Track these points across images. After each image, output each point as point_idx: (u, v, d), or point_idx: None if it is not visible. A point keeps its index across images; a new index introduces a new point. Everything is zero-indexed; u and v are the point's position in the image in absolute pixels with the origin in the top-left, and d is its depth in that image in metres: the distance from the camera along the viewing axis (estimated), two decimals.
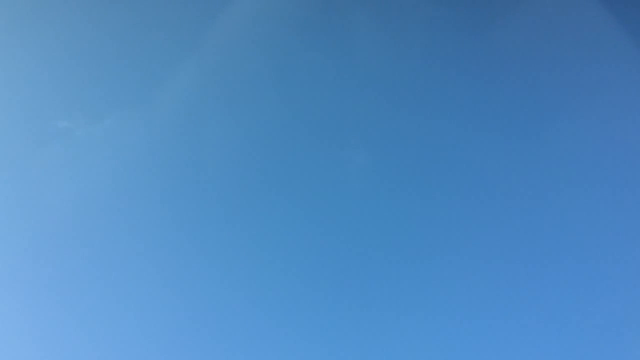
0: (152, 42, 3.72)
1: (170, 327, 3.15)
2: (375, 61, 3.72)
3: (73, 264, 3.29)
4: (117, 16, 3.75)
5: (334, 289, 3.24)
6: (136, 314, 3.18)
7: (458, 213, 3.34)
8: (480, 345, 3.10)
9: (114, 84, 3.64)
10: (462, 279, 3.18)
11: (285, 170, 3.52)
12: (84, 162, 3.46)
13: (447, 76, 3.63)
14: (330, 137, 3.58)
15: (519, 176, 3.41)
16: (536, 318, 3.09)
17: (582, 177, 3.37)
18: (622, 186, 3.34)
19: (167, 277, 3.25)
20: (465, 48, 3.68)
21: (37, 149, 3.51)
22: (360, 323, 3.15)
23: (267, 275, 3.25)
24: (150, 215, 3.39)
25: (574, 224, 3.26)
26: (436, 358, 3.07)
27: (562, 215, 3.29)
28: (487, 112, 3.56)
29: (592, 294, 3.11)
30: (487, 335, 3.10)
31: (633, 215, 3.25)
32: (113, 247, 3.31)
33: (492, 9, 3.75)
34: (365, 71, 3.69)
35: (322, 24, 3.79)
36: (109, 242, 3.33)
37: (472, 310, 3.12)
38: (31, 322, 3.15)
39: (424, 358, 3.06)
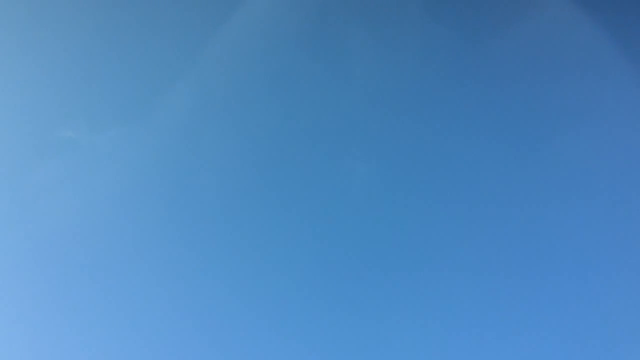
0: (154, 53, 3.76)
1: (174, 332, 3.16)
2: (376, 71, 3.75)
3: (76, 273, 3.30)
4: (121, 28, 3.80)
5: (335, 295, 3.25)
6: (141, 321, 3.19)
7: (460, 221, 3.36)
8: (482, 348, 3.11)
9: (117, 94, 3.68)
10: (464, 286, 3.20)
11: (287, 179, 3.55)
12: (87, 172, 3.49)
13: (448, 85, 3.67)
14: (332, 147, 3.61)
15: (520, 183, 3.44)
16: (537, 321, 3.11)
17: (581, 182, 3.40)
18: (620, 191, 3.37)
19: (169, 285, 3.27)
20: (466, 57, 3.72)
21: (40, 159, 3.54)
22: (363, 329, 3.16)
23: (270, 282, 3.26)
24: (153, 225, 3.42)
25: (576, 228, 3.28)
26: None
27: (563, 222, 3.31)
28: (489, 120, 3.60)
29: (591, 295, 3.13)
30: (488, 339, 3.11)
31: (631, 219, 3.28)
32: (116, 255, 3.33)
33: (491, 18, 3.80)
34: (367, 80, 3.73)
35: (322, 35, 3.83)
36: (112, 250, 3.35)
37: (477, 317, 3.13)
38: (35, 329, 3.16)
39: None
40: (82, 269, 3.32)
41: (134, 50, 3.80)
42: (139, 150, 3.59)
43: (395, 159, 3.58)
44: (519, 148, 3.56)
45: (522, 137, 3.57)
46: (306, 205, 3.51)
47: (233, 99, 3.71)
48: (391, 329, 3.18)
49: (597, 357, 3.08)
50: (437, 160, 3.57)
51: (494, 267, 3.26)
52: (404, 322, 3.21)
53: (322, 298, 3.29)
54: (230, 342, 3.22)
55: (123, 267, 3.34)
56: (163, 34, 3.81)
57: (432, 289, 3.28)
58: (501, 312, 3.19)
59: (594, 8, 3.74)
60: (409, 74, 3.79)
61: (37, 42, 3.77)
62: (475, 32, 3.81)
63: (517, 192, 3.43)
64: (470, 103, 3.67)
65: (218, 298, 3.27)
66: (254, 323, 3.21)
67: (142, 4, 3.88)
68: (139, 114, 3.68)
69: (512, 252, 3.30)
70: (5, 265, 3.31)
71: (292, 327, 3.21)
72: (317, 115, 3.70)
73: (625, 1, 3.74)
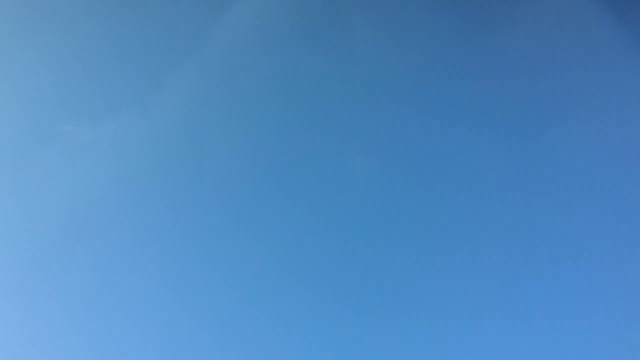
0: (155, 45, 3.74)
1: (170, 330, 3.18)
2: (379, 64, 3.73)
3: (75, 267, 3.31)
4: (121, 20, 3.77)
5: (338, 292, 3.26)
6: (137, 316, 3.20)
7: (464, 217, 3.35)
8: (484, 347, 3.13)
9: (118, 87, 3.66)
10: (467, 282, 3.20)
11: (289, 175, 3.54)
12: (89, 166, 3.49)
13: (452, 79, 3.64)
14: (334, 141, 3.59)
15: (523, 179, 3.42)
16: (538, 319, 3.12)
17: (583, 178, 3.39)
18: (621, 187, 3.36)
19: (168, 280, 3.28)
20: (469, 50, 3.69)
21: (42, 153, 3.53)
22: (366, 328, 3.17)
23: (270, 279, 3.27)
24: (154, 219, 3.42)
25: (577, 225, 3.28)
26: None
27: (565, 219, 3.30)
28: (493, 115, 3.58)
29: (591, 295, 3.13)
30: (490, 338, 3.12)
31: (632, 216, 3.27)
32: (115, 250, 3.34)
33: (493, 12, 3.77)
34: (369, 75, 3.70)
35: (324, 28, 3.80)
36: (112, 245, 3.35)
37: (480, 314, 3.14)
38: (30, 325, 3.17)
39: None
40: (82, 259, 3.33)
41: (135, 41, 3.78)
42: (139, 143, 3.58)
43: (398, 154, 3.57)
44: (523, 142, 3.54)
45: (525, 130, 3.55)
46: (308, 199, 3.50)
47: (235, 91, 3.70)
48: (394, 325, 3.19)
49: (597, 353, 3.09)
50: (441, 155, 3.55)
51: (499, 260, 3.26)
52: (406, 317, 3.22)
53: (324, 293, 3.29)
54: (229, 334, 3.23)
55: (122, 261, 3.36)
56: (164, 26, 3.79)
57: (436, 283, 3.28)
58: (506, 304, 3.20)
59: None
60: (412, 69, 3.77)
61: (36, 36, 3.75)
62: (479, 25, 3.78)
63: (521, 187, 3.43)
64: (474, 98, 3.65)
65: (218, 293, 3.28)
66: (254, 320, 3.22)
67: None
68: (140, 104, 3.67)
69: (521, 248, 3.30)
70: (5, 260, 3.32)
71: (294, 323, 3.22)
72: (319, 110, 3.68)
73: None
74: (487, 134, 3.50)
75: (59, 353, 3.13)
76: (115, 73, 3.69)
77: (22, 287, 3.23)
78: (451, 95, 3.61)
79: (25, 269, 3.27)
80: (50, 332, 3.19)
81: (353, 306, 3.20)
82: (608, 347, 3.10)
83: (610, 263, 3.18)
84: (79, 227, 3.36)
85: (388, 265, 3.26)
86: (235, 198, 3.48)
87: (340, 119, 3.62)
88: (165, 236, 3.35)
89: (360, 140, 3.58)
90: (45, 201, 3.42)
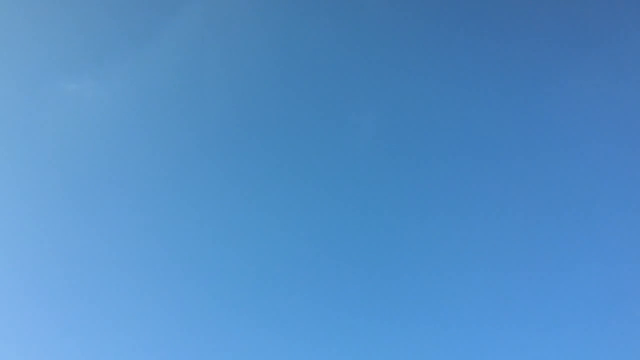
0: None
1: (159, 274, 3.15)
2: (381, 22, 3.67)
3: (78, 221, 3.29)
4: None
5: (337, 251, 3.23)
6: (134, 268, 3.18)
7: (467, 178, 3.32)
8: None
9: (122, 45, 3.60)
10: (471, 234, 3.17)
11: (292, 131, 3.48)
12: (92, 124, 3.45)
13: (455, 38, 3.58)
14: (337, 100, 3.54)
15: (523, 134, 3.37)
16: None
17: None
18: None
19: (164, 235, 3.25)
20: (472, 11, 3.62)
21: (45, 112, 3.50)
22: (376, 283, 3.14)
23: (274, 234, 3.23)
24: (155, 172, 3.38)
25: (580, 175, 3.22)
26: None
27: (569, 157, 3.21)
28: (494, 69, 3.52)
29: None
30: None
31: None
32: (120, 202, 3.31)
33: None
34: (371, 34, 3.64)
35: None
36: (116, 200, 3.33)
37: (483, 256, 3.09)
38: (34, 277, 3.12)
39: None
40: (85, 219, 3.32)
41: None
42: (143, 100, 3.55)
43: (400, 112, 3.54)
44: (523, 96, 3.52)
45: (531, 88, 3.52)
46: (313, 160, 3.48)
47: (236, 44, 3.62)
48: (400, 282, 3.18)
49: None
50: (443, 113, 3.53)
51: (501, 220, 3.24)
52: (410, 273, 3.22)
53: (328, 250, 3.30)
54: (224, 281, 3.23)
55: (126, 214, 3.36)
56: None
57: (439, 242, 3.28)
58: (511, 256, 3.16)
59: None
60: (414, 28, 3.72)
61: None
62: None
63: (520, 141, 3.39)
64: (476, 53, 3.61)
65: (218, 245, 3.24)
66: (256, 270, 3.19)
67: None
68: (137, 60, 3.63)
69: (518, 207, 3.28)
70: (5, 219, 3.31)
71: (297, 276, 3.22)
72: (323, 67, 3.64)
73: None
74: (488, 89, 3.46)
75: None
76: (117, 26, 3.58)
77: (22, 239, 3.21)
78: (455, 54, 3.56)
79: (26, 225, 3.24)
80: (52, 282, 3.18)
81: (355, 260, 3.19)
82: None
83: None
84: (81, 182, 3.33)
85: (391, 218, 3.24)
86: (236, 155, 3.44)
87: (344, 79, 3.57)
88: (167, 193, 3.32)
89: (365, 100, 3.52)
90: (48, 159, 3.37)
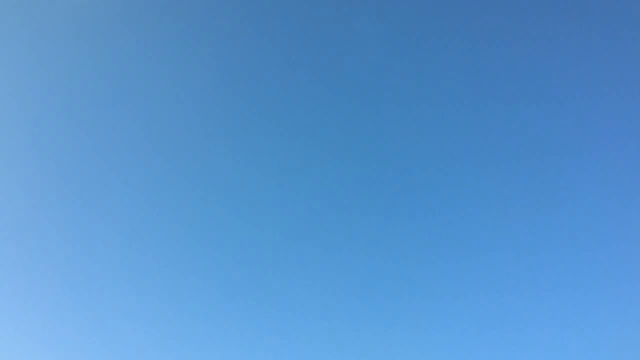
0: None
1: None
2: None
3: (79, 163, 3.13)
4: None
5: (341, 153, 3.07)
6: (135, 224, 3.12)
7: (469, 74, 3.21)
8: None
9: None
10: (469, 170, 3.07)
11: (299, 38, 3.39)
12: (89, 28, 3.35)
13: None
14: (343, 7, 3.44)
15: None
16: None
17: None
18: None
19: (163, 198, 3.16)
20: None
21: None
22: (385, 231, 3.07)
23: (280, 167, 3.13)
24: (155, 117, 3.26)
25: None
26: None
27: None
28: None
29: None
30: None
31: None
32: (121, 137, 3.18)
33: None
34: None
35: None
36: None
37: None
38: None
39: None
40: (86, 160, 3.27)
41: None
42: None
43: (406, 19, 3.46)
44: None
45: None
46: (318, 67, 3.41)
47: None
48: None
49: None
50: (449, 20, 3.45)
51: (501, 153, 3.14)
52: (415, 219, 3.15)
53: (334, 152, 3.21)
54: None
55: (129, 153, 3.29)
56: None
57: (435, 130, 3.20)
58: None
59: None
60: None
61: None
62: None
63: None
64: None
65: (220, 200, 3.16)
66: (258, 230, 3.13)
67: None
68: None
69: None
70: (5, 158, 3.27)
71: (302, 233, 3.18)
72: None
73: None
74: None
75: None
76: None
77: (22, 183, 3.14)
78: None
79: (26, 166, 3.17)
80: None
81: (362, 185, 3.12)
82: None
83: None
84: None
85: (395, 124, 3.16)
86: (246, 61, 3.34)
87: None
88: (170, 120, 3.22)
89: (370, 6, 3.43)
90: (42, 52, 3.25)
